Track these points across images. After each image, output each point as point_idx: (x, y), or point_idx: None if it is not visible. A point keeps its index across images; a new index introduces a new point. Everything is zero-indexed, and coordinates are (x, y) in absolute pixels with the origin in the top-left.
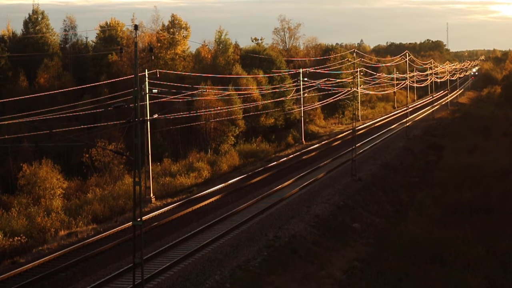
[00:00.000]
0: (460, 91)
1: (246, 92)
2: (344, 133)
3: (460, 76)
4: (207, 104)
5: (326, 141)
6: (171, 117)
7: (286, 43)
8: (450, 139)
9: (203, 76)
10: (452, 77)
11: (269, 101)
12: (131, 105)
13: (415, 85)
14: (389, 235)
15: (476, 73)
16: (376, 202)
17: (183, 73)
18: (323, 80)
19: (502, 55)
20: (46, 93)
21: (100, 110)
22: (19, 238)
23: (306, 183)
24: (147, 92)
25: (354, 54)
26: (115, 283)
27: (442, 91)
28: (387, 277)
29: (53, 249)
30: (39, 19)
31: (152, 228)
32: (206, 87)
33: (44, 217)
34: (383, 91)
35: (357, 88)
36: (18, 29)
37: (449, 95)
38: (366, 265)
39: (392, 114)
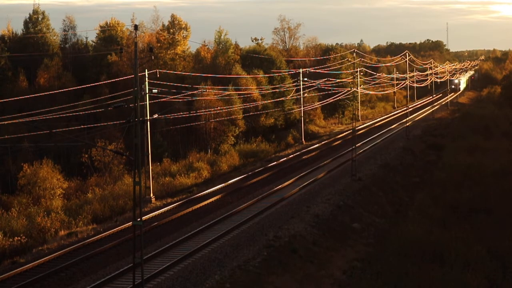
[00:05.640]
0: (460, 91)
1: (246, 92)
2: (344, 133)
3: (460, 76)
4: (207, 104)
5: (326, 141)
6: (171, 117)
7: (286, 43)
8: (450, 139)
9: (203, 76)
10: (452, 77)
11: (269, 101)
12: (131, 105)
13: (415, 85)
14: (389, 235)
15: (465, 80)
16: (376, 202)
17: (183, 73)
18: (323, 80)
19: (502, 55)
20: (46, 93)
21: (100, 110)
22: (19, 238)
23: (306, 183)
24: (147, 92)
25: (354, 54)
26: (115, 283)
27: (442, 91)
28: (387, 277)
29: (53, 249)
30: (40, 19)
31: (152, 228)
32: (206, 87)
33: (44, 217)
34: (383, 91)
35: (357, 88)
36: (19, 29)
37: (449, 95)
38: (366, 265)
39: (392, 114)
